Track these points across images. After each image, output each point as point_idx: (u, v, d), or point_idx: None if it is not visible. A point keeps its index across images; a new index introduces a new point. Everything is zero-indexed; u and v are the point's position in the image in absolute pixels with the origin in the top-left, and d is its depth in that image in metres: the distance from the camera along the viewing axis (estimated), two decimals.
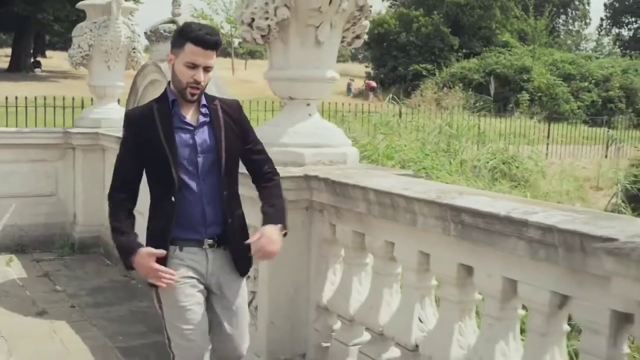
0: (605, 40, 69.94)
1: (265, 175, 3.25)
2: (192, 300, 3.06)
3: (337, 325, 3.97)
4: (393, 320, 3.46)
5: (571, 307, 2.60)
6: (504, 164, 11.93)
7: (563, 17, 61.12)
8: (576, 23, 61.80)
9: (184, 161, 3.02)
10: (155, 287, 3.06)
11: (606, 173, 14.26)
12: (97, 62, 7.93)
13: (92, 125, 7.96)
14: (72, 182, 8.09)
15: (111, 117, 7.85)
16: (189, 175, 3.03)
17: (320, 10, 3.95)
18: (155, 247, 3.01)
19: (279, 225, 3.11)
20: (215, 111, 3.12)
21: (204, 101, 3.11)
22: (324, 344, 3.98)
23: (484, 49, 39.68)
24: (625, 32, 69.91)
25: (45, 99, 10.87)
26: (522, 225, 2.59)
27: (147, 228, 3.12)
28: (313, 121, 4.24)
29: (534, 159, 12.78)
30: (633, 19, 69.23)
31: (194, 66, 2.96)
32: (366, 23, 4.31)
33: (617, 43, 68.02)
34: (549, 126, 19.57)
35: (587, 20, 62.44)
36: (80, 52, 7.84)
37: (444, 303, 3.22)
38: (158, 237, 3.06)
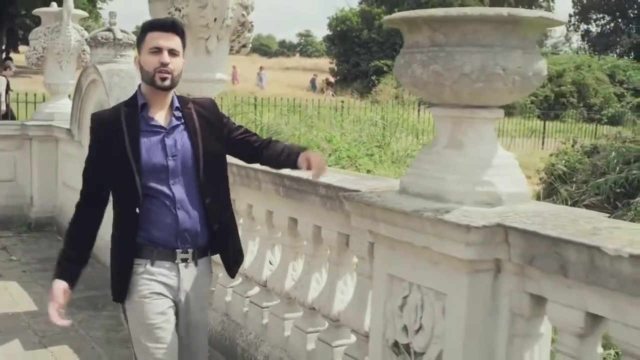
0: (574, 37, 71.46)
1: (258, 141, 3.24)
2: (163, 317, 2.96)
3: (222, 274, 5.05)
4: (252, 264, 4.57)
5: (350, 244, 3.71)
6: None
7: None
8: None
9: (151, 166, 2.91)
10: (122, 302, 3.03)
11: (537, 163, 15.44)
12: (51, 63, 8.95)
13: (46, 119, 9.01)
14: (29, 169, 9.10)
15: (63, 111, 8.84)
16: (158, 181, 2.93)
17: (208, 26, 5.02)
18: (119, 260, 3.01)
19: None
20: (189, 115, 3.04)
21: (177, 104, 3.04)
22: None
23: None
24: (593, 29, 71.48)
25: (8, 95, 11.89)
26: (315, 185, 3.70)
27: (112, 236, 3.05)
28: None
29: None
30: (600, 15, 70.70)
31: (157, 50, 2.89)
32: (249, 35, 5.36)
33: (586, 39, 69.46)
34: None
35: None
36: (36, 54, 8.87)
37: (283, 248, 4.33)
38: (121, 250, 3.00)
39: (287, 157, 3.18)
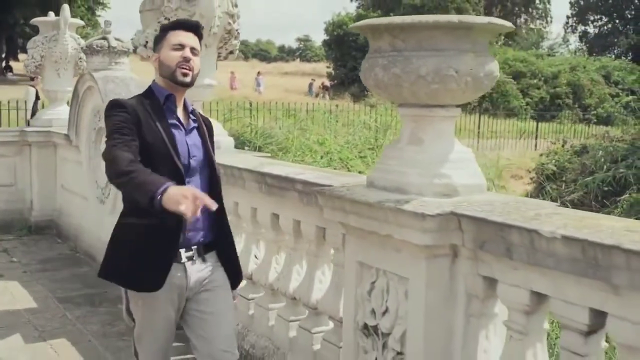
0: (572, 38, 71.63)
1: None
2: (165, 322, 3.04)
3: None
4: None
5: (327, 236, 3.96)
6: None
7: (524, 16, 62.87)
8: (537, 21, 63.60)
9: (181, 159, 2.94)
10: (127, 301, 3.06)
11: (528, 163, 15.73)
12: (49, 70, 9.23)
13: (45, 125, 9.27)
14: (28, 174, 9.36)
15: (61, 117, 9.09)
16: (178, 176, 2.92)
17: None
18: (155, 254, 2.90)
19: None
20: (199, 119, 3.13)
21: (191, 107, 3.11)
22: None
23: None
24: (590, 30, 71.65)
25: (8, 102, 12.16)
26: (293, 182, 3.97)
27: (132, 224, 2.95)
28: None
29: None
30: (598, 17, 70.91)
31: (180, 47, 2.97)
32: (236, 42, 5.62)
33: (584, 40, 69.63)
34: (479, 120, 21.08)
35: (548, 19, 64.35)
36: (34, 62, 9.15)
37: (267, 243, 4.59)
38: (164, 240, 2.89)
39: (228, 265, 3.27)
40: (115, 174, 2.75)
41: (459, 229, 2.89)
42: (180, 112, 3.05)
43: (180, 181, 2.85)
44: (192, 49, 3.00)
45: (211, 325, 3.06)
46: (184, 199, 2.51)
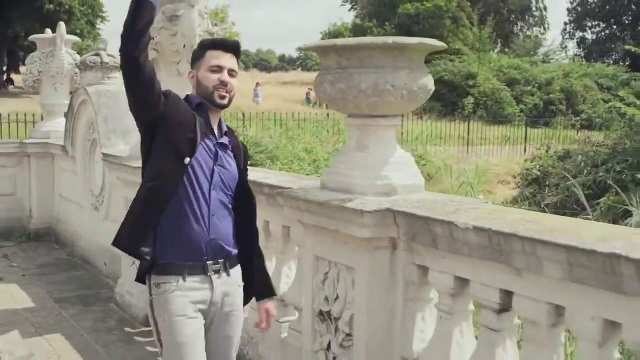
0: (570, 44, 71.87)
1: (249, 216, 3.27)
2: (193, 338, 2.90)
3: None
4: None
5: (291, 234, 4.38)
6: None
7: (520, 23, 63.21)
8: (535, 29, 63.95)
9: (200, 159, 2.91)
10: (157, 324, 2.92)
11: (515, 169, 16.15)
12: (46, 85, 9.67)
13: (43, 137, 9.72)
14: (27, 183, 9.81)
15: (58, 129, 9.50)
16: (203, 176, 2.93)
17: (179, 52, 5.73)
18: (147, 205, 2.88)
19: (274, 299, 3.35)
20: (236, 144, 3.14)
21: (225, 129, 3.10)
22: None
23: (436, 56, 41.60)
24: (588, 36, 71.85)
25: (9, 116, 12.63)
26: (261, 186, 4.39)
27: (139, 198, 2.94)
28: None
29: (441, 158, 14.62)
30: (595, 23, 71.17)
31: (219, 69, 2.97)
32: None
33: (582, 46, 69.82)
34: (469, 128, 21.47)
35: (545, 26, 64.61)
36: (32, 77, 9.60)
37: None
38: (155, 195, 2.87)
39: (251, 279, 3.20)
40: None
41: (395, 223, 3.31)
42: (215, 128, 3.04)
43: (194, 147, 2.89)
44: (231, 71, 3.02)
45: (220, 349, 3.08)
46: None
